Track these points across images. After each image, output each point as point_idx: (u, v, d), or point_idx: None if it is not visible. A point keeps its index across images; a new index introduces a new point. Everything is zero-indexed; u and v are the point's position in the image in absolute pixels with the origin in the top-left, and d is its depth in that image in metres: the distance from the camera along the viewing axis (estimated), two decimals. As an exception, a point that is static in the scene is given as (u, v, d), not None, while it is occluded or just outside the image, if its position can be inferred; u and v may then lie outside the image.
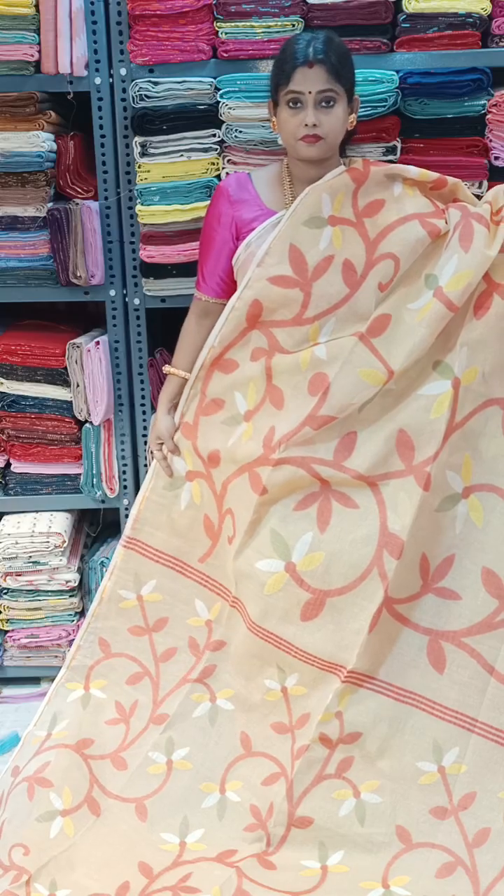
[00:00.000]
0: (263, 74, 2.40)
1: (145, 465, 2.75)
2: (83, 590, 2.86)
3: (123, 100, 2.50)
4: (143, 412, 2.75)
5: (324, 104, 2.08)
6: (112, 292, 2.65)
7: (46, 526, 2.76)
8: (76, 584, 2.81)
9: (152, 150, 2.49)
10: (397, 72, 2.42)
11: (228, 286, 2.27)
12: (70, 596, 2.82)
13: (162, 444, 2.34)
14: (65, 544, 2.75)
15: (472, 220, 2.11)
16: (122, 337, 2.69)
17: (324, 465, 2.11)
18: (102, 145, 2.54)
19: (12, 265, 2.61)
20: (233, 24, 2.41)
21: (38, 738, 2.26)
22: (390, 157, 2.47)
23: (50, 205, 2.56)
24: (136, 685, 2.32)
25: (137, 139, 2.47)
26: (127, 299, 2.65)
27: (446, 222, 2.14)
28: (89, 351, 2.66)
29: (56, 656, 2.87)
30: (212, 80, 2.43)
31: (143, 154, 2.49)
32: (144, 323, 2.67)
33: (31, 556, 2.76)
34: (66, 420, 2.75)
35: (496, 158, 2.47)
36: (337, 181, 2.15)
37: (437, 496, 2.11)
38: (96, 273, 2.60)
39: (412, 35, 2.41)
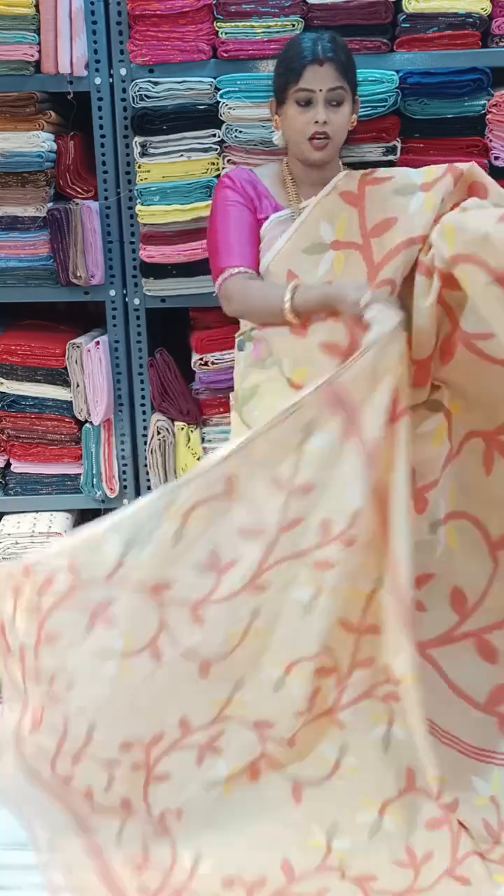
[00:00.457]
0: (263, 74, 2.40)
1: (145, 465, 2.76)
2: (83, 590, 2.86)
3: (123, 100, 2.50)
4: (143, 412, 2.75)
5: (333, 103, 2.08)
6: (112, 292, 2.65)
7: (46, 526, 2.76)
8: (76, 584, 2.81)
9: (152, 150, 2.49)
10: (397, 72, 2.42)
11: (256, 258, 2.17)
12: (70, 596, 2.82)
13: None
14: (65, 544, 2.75)
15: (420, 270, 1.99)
16: (122, 337, 2.69)
17: None
18: (102, 145, 2.54)
19: (12, 265, 2.61)
20: (233, 24, 2.41)
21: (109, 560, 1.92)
22: (390, 157, 2.47)
23: (50, 205, 2.56)
24: (246, 539, 1.95)
25: (137, 139, 2.47)
26: (127, 299, 2.65)
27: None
28: (89, 351, 2.66)
29: (56, 656, 2.87)
30: (212, 80, 2.43)
31: (143, 154, 2.49)
32: (144, 323, 2.67)
33: (31, 556, 2.76)
34: (66, 420, 2.75)
35: (496, 158, 2.47)
36: (335, 205, 2.08)
37: (426, 521, 2.13)
38: (96, 273, 2.60)
39: (412, 35, 2.41)
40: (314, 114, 2.08)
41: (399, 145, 2.48)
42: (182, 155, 2.48)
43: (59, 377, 2.71)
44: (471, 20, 2.39)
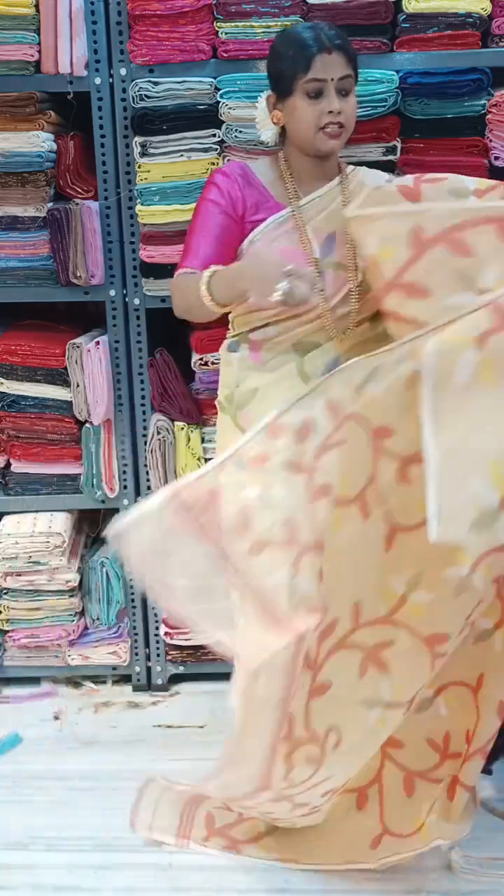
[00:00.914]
0: (264, 74, 2.38)
1: (145, 465, 2.76)
2: (83, 590, 2.86)
3: (123, 100, 2.50)
4: (143, 412, 2.75)
5: (342, 92, 2.02)
6: (112, 292, 2.65)
7: (46, 526, 2.76)
8: (76, 584, 2.81)
9: (152, 150, 2.49)
10: (397, 72, 2.42)
11: (223, 264, 2.06)
12: (70, 596, 2.82)
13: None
14: (65, 544, 2.75)
15: None
16: (122, 337, 2.69)
17: None
18: (102, 145, 2.54)
19: (12, 265, 2.61)
20: (233, 24, 2.41)
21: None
22: (390, 157, 2.48)
23: (50, 205, 2.56)
24: None
25: (137, 139, 2.48)
26: (127, 299, 2.65)
27: None
28: (89, 351, 2.66)
29: (56, 656, 2.88)
30: (212, 80, 2.43)
31: (143, 154, 2.49)
32: (144, 323, 2.66)
33: (31, 556, 2.76)
34: (66, 420, 2.75)
35: (496, 158, 2.47)
36: (389, 197, 1.91)
37: None
38: (96, 273, 2.60)
39: (412, 35, 2.41)
40: (327, 103, 2.01)
41: (399, 145, 2.48)
42: (182, 155, 2.48)
43: (59, 377, 2.71)
44: (471, 20, 2.39)
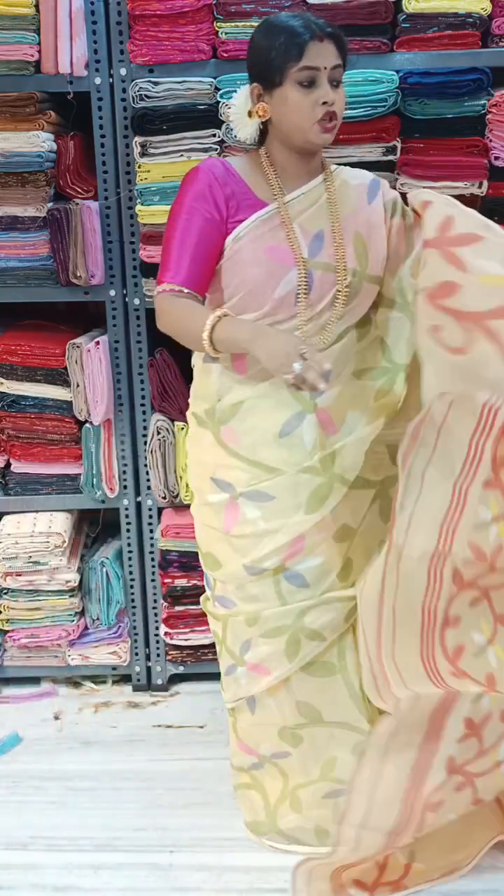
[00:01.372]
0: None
1: (145, 465, 2.76)
2: (83, 590, 2.86)
3: (123, 100, 2.50)
4: (143, 412, 2.75)
5: (334, 82, 1.92)
6: (112, 292, 2.65)
7: (46, 526, 2.76)
8: (76, 584, 2.81)
9: (152, 150, 2.49)
10: (397, 72, 2.42)
11: (206, 276, 1.98)
12: (70, 596, 2.82)
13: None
14: (65, 544, 2.75)
15: None
16: (122, 337, 2.69)
17: None
18: (102, 145, 2.54)
19: (12, 265, 2.61)
20: (233, 24, 2.41)
21: None
22: (390, 157, 2.48)
23: (50, 205, 2.56)
24: None
25: (137, 139, 2.47)
26: (127, 299, 2.65)
27: None
28: (89, 351, 2.66)
29: (56, 656, 2.88)
30: (212, 80, 2.43)
31: (143, 154, 2.49)
32: (144, 323, 2.66)
33: (31, 556, 2.76)
34: (66, 420, 2.75)
35: (496, 158, 2.47)
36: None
37: None
38: (96, 273, 2.60)
39: (412, 35, 2.41)
40: (321, 93, 1.89)
41: (399, 145, 2.48)
42: (182, 155, 2.48)
43: (59, 377, 2.71)
44: (471, 20, 2.39)
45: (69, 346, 2.67)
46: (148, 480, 2.76)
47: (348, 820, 2.05)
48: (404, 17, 2.39)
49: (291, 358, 1.74)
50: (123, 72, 2.48)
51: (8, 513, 2.84)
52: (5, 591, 2.81)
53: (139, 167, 2.50)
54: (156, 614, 2.87)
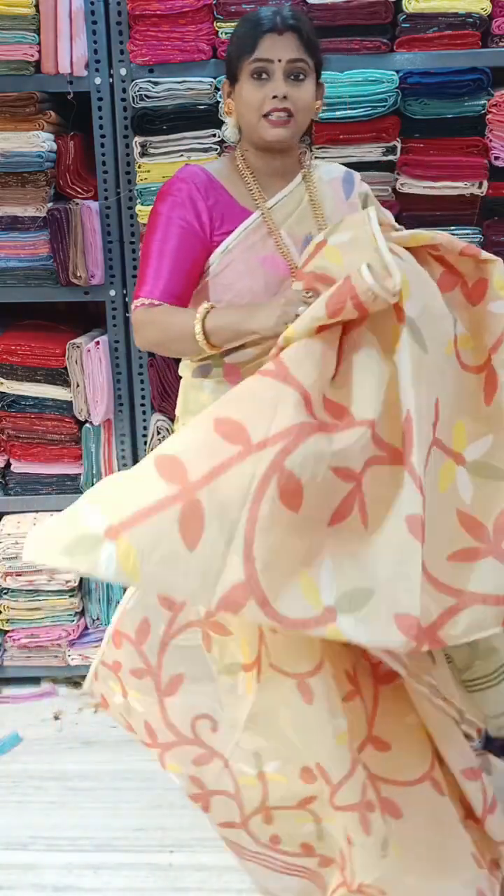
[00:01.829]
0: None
1: (145, 465, 2.76)
2: (83, 590, 2.86)
3: (123, 100, 2.50)
4: (143, 412, 2.75)
5: (293, 77, 1.81)
6: (112, 292, 2.65)
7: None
8: (76, 585, 2.81)
9: (152, 150, 2.49)
10: (397, 72, 2.42)
11: (186, 290, 1.88)
12: (70, 596, 2.82)
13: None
14: (65, 544, 2.74)
15: None
16: (122, 337, 2.69)
17: None
18: (102, 145, 2.54)
19: (12, 265, 2.61)
20: (233, 23, 2.39)
21: None
22: (390, 157, 2.48)
23: (50, 205, 2.56)
24: None
25: (137, 139, 2.48)
26: (127, 299, 2.65)
27: None
28: (89, 351, 2.67)
29: (56, 656, 2.87)
30: (212, 79, 2.43)
31: (143, 154, 2.49)
32: (144, 323, 2.66)
33: (31, 556, 2.75)
34: (66, 420, 2.75)
35: (496, 158, 2.47)
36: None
37: None
38: (96, 273, 2.60)
39: (412, 35, 2.41)
40: (272, 87, 1.80)
41: (399, 145, 2.48)
42: (182, 155, 2.48)
43: (59, 377, 2.71)
44: (471, 20, 2.39)
45: (69, 346, 2.67)
46: (148, 480, 2.76)
47: None
48: (404, 17, 2.40)
49: (293, 305, 1.65)
50: (123, 72, 2.48)
51: (8, 513, 2.84)
52: (5, 591, 2.81)
53: (139, 167, 2.50)
54: (156, 614, 2.87)
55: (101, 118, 2.53)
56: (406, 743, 1.83)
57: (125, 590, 2.83)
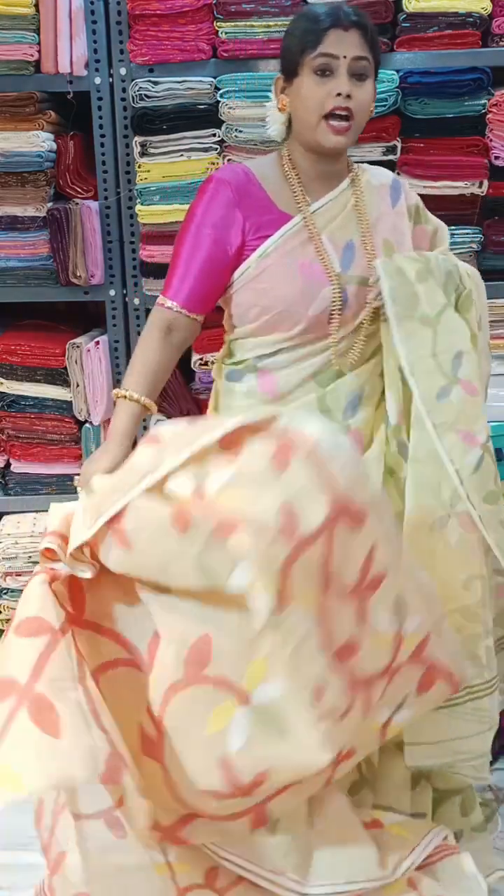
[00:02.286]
0: (264, 74, 2.40)
1: (145, 465, 2.75)
2: (83, 590, 2.86)
3: (123, 99, 2.50)
4: (143, 412, 2.74)
5: (356, 76, 1.77)
6: (112, 292, 2.65)
7: (46, 526, 2.75)
8: (76, 585, 2.81)
9: (152, 150, 2.49)
10: (397, 71, 2.42)
11: (209, 299, 1.88)
12: (70, 596, 2.82)
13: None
14: (65, 544, 2.74)
15: None
16: (122, 337, 2.69)
17: None
18: (102, 145, 2.54)
19: (12, 265, 2.61)
20: (233, 23, 2.41)
21: None
22: (390, 157, 2.48)
23: (50, 205, 2.56)
24: None
25: (137, 139, 2.47)
26: (127, 299, 2.65)
27: None
28: (89, 351, 2.66)
29: (56, 656, 2.87)
30: (212, 79, 2.43)
31: (143, 154, 2.49)
32: (144, 323, 2.66)
33: (31, 556, 2.75)
34: (66, 420, 2.75)
35: (496, 158, 2.47)
36: None
37: None
38: (96, 273, 2.60)
39: (412, 34, 2.41)
40: (335, 84, 1.75)
41: (399, 145, 2.48)
42: (182, 155, 2.48)
43: (59, 377, 2.71)
44: (471, 20, 2.39)
45: (69, 346, 2.67)
46: (148, 480, 2.76)
47: None
48: (404, 16, 2.40)
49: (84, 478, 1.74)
50: (123, 71, 2.48)
51: (8, 513, 2.83)
52: (5, 591, 2.81)
53: (139, 167, 2.50)
54: (156, 614, 2.87)
55: (100, 118, 2.53)
56: None
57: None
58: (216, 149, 2.48)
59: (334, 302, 1.87)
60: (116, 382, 2.71)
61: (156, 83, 2.44)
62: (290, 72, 1.82)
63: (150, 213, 2.52)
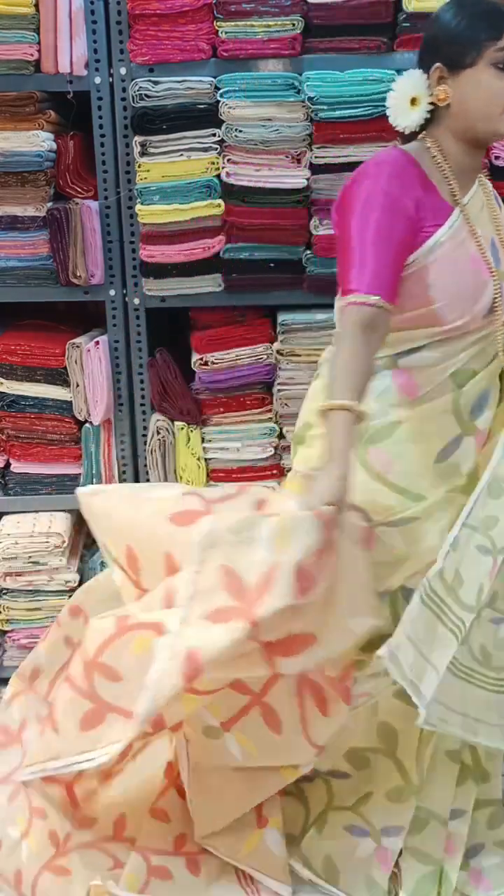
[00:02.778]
0: (263, 74, 2.40)
1: (145, 465, 2.75)
2: (83, 590, 2.86)
3: (123, 99, 2.50)
4: (143, 412, 2.74)
5: None
6: (112, 292, 2.65)
7: (46, 526, 2.76)
8: (76, 585, 2.80)
9: (152, 150, 2.48)
10: (397, 71, 2.40)
11: (398, 288, 1.78)
12: (70, 596, 2.81)
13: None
14: (64, 544, 2.74)
15: None
16: (122, 337, 2.69)
17: None
18: (102, 145, 2.54)
19: (12, 265, 2.61)
20: (233, 23, 2.40)
21: None
22: (390, 157, 2.47)
23: (50, 204, 2.55)
24: None
25: (137, 139, 2.47)
26: (127, 299, 2.65)
27: None
28: (89, 351, 2.66)
29: (56, 656, 2.87)
30: (212, 79, 2.42)
31: (142, 153, 2.48)
32: (144, 323, 2.66)
33: (30, 557, 2.75)
34: (66, 420, 2.75)
35: (496, 158, 2.46)
36: None
37: None
38: (96, 273, 2.60)
39: (412, 34, 2.40)
40: None
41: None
42: (182, 154, 2.48)
43: (59, 377, 2.71)
44: (471, 19, 2.38)
45: (69, 346, 2.67)
46: (148, 480, 2.76)
47: None
48: (404, 16, 2.39)
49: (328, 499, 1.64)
50: (123, 71, 2.48)
51: (8, 513, 2.83)
52: (5, 591, 2.81)
53: (139, 167, 2.50)
54: (156, 614, 2.86)
55: (100, 118, 2.53)
56: None
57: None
58: (216, 149, 2.48)
59: (496, 297, 1.84)
60: (116, 382, 2.71)
61: (156, 83, 2.44)
62: (457, 63, 1.76)
63: (150, 213, 2.51)
